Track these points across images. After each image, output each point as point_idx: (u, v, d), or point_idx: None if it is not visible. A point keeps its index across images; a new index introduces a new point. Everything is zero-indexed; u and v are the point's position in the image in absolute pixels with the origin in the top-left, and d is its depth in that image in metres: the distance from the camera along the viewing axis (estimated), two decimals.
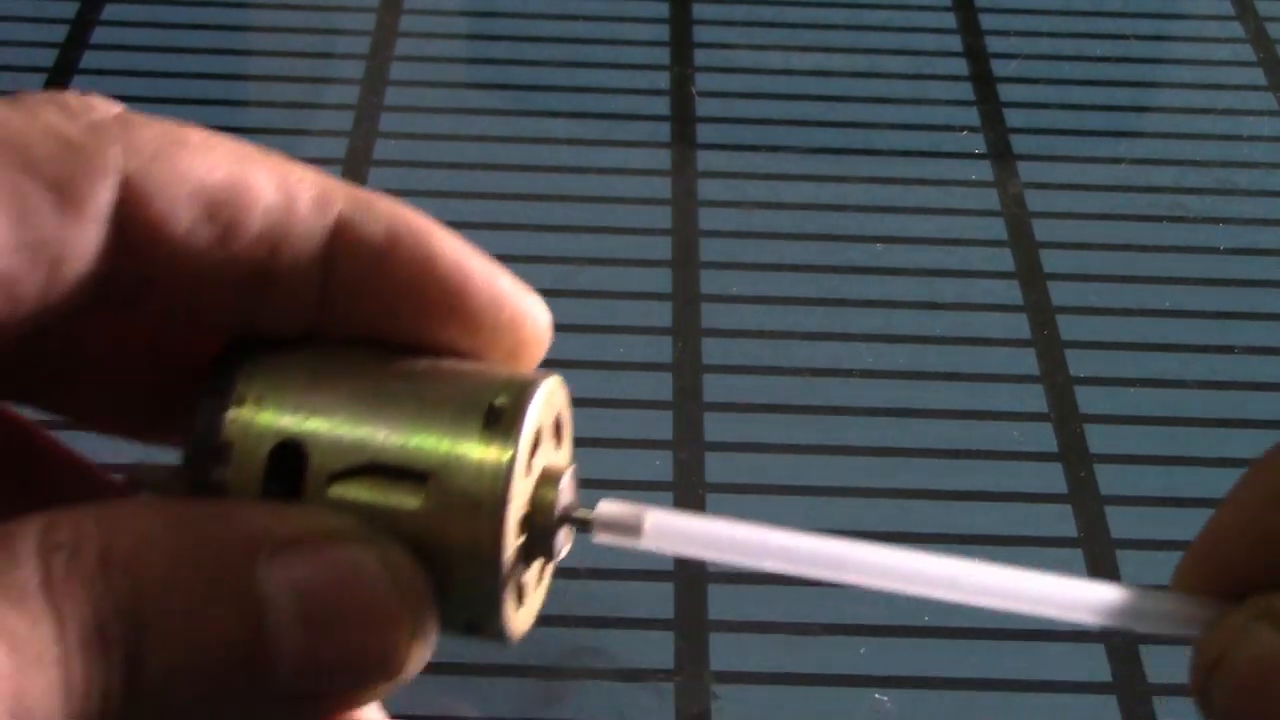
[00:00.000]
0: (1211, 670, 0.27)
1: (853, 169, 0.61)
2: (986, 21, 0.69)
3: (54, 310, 0.25)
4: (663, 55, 0.66)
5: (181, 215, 0.25)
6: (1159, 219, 0.60)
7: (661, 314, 0.54)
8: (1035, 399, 0.52)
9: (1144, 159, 0.62)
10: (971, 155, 0.62)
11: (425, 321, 0.27)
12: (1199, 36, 0.69)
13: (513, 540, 0.27)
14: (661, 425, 0.51)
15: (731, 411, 0.51)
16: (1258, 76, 0.66)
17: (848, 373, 0.53)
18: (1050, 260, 0.57)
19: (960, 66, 0.66)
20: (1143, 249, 0.58)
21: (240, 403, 0.27)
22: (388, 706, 0.44)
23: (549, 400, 0.27)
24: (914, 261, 0.57)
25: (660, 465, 0.49)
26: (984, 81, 0.66)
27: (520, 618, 0.28)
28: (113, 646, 0.24)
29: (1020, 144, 0.63)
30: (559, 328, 0.54)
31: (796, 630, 0.45)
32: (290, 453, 0.26)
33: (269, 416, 0.27)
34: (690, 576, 0.47)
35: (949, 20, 0.69)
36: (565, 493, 0.27)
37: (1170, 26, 0.70)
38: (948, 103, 0.64)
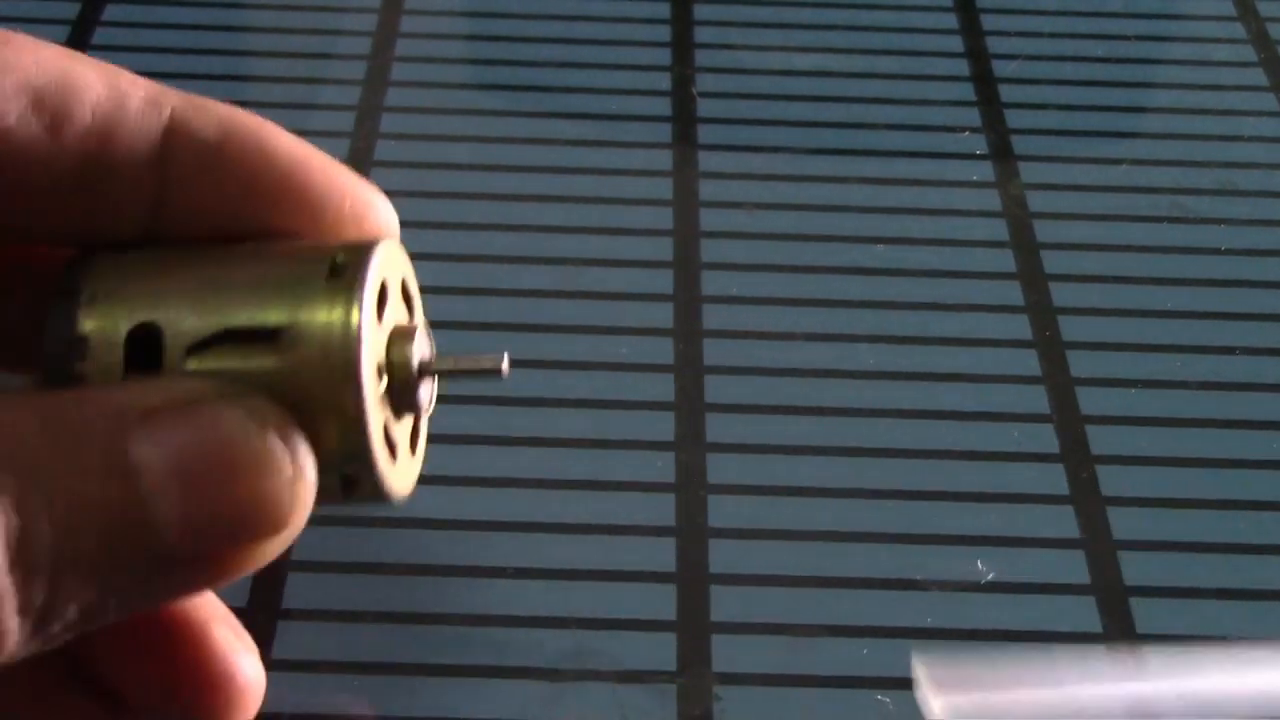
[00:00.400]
0: None
1: (854, 170, 0.61)
2: (987, 22, 0.69)
3: None
4: (664, 56, 0.66)
5: (9, 107, 0.26)
6: (1160, 220, 0.60)
7: (663, 315, 0.54)
8: (1036, 400, 0.52)
9: (1145, 159, 0.62)
10: (973, 156, 0.62)
11: (265, 216, 0.28)
12: (1199, 37, 0.69)
13: (372, 385, 0.28)
14: (663, 427, 0.51)
15: (733, 413, 0.51)
16: (1258, 77, 0.66)
17: (849, 374, 0.53)
18: (1051, 261, 0.57)
19: (961, 67, 0.66)
20: (1144, 250, 0.58)
21: (92, 300, 0.27)
22: (390, 704, 0.44)
23: (389, 257, 0.29)
24: (915, 262, 0.57)
25: (662, 467, 0.49)
26: (985, 82, 0.66)
27: (398, 474, 0.29)
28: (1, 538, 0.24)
29: (1021, 145, 0.62)
30: (559, 329, 0.55)
31: (799, 632, 0.45)
32: (146, 338, 0.28)
33: (121, 307, 0.27)
34: (692, 578, 0.46)
35: (950, 21, 0.69)
36: (420, 346, 0.28)
37: (1171, 27, 0.70)
38: (949, 103, 0.64)
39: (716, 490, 0.49)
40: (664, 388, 0.52)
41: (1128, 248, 0.58)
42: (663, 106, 0.63)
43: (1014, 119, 0.64)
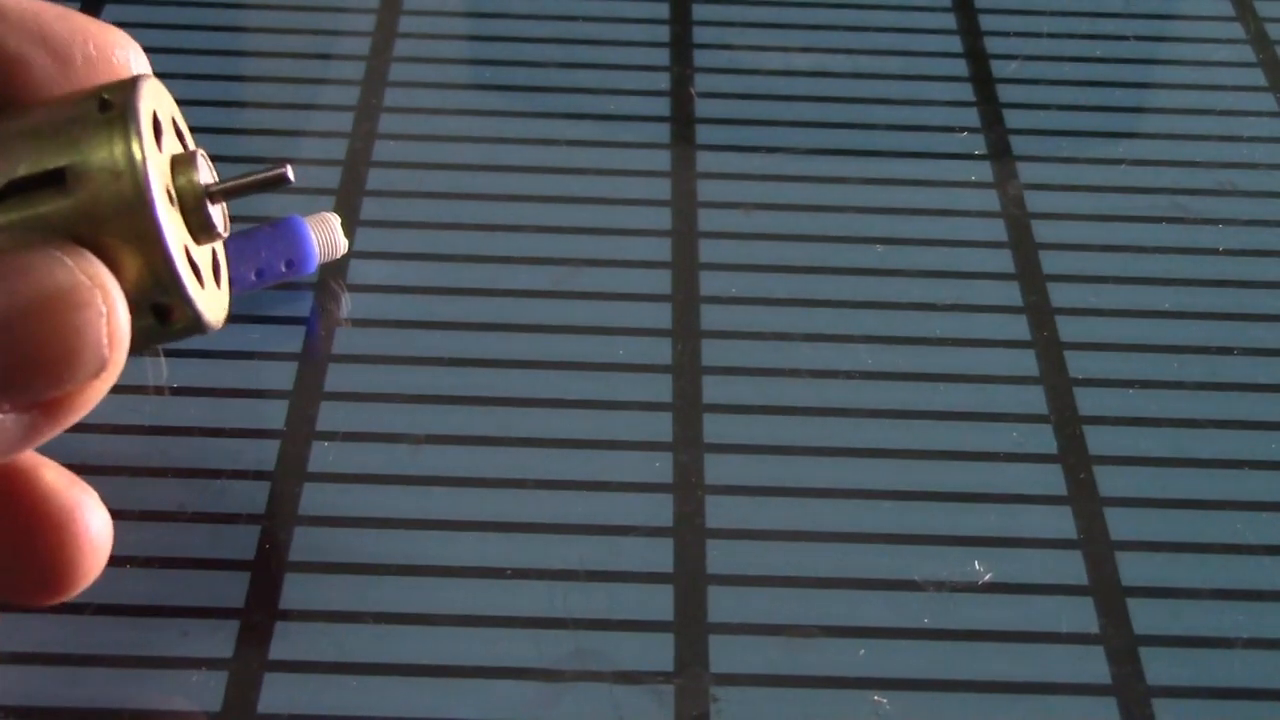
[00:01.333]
0: None
1: (852, 170, 0.61)
2: (986, 22, 0.69)
3: None
4: (662, 56, 0.66)
5: None
6: (1159, 220, 0.60)
7: (660, 315, 0.54)
8: (1035, 400, 0.52)
9: (1144, 160, 0.62)
10: (971, 156, 0.62)
11: (14, 77, 0.29)
12: (1199, 37, 0.69)
13: (165, 207, 0.28)
14: (661, 427, 0.51)
15: (731, 413, 0.51)
16: (1258, 77, 0.66)
17: (847, 374, 0.53)
18: (1050, 261, 0.57)
19: (960, 67, 0.66)
20: (1143, 250, 0.58)
21: None
22: (388, 705, 0.44)
23: (153, 90, 0.29)
24: (914, 263, 0.57)
25: (660, 467, 0.49)
26: (984, 82, 0.66)
27: (208, 301, 0.30)
28: None
29: (1020, 145, 0.63)
30: (558, 329, 0.55)
31: (797, 632, 0.45)
32: None
33: None
34: (690, 578, 0.46)
35: (948, 21, 0.69)
36: (203, 171, 0.29)
37: (1170, 27, 0.70)
38: (947, 104, 0.64)
39: (714, 491, 0.49)
40: (662, 388, 0.52)
41: (1126, 248, 0.58)
42: (661, 107, 0.63)
43: (1013, 119, 0.64)
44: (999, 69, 0.66)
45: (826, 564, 0.47)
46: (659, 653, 0.44)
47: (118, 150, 0.28)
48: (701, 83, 0.65)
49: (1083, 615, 0.46)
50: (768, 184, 0.60)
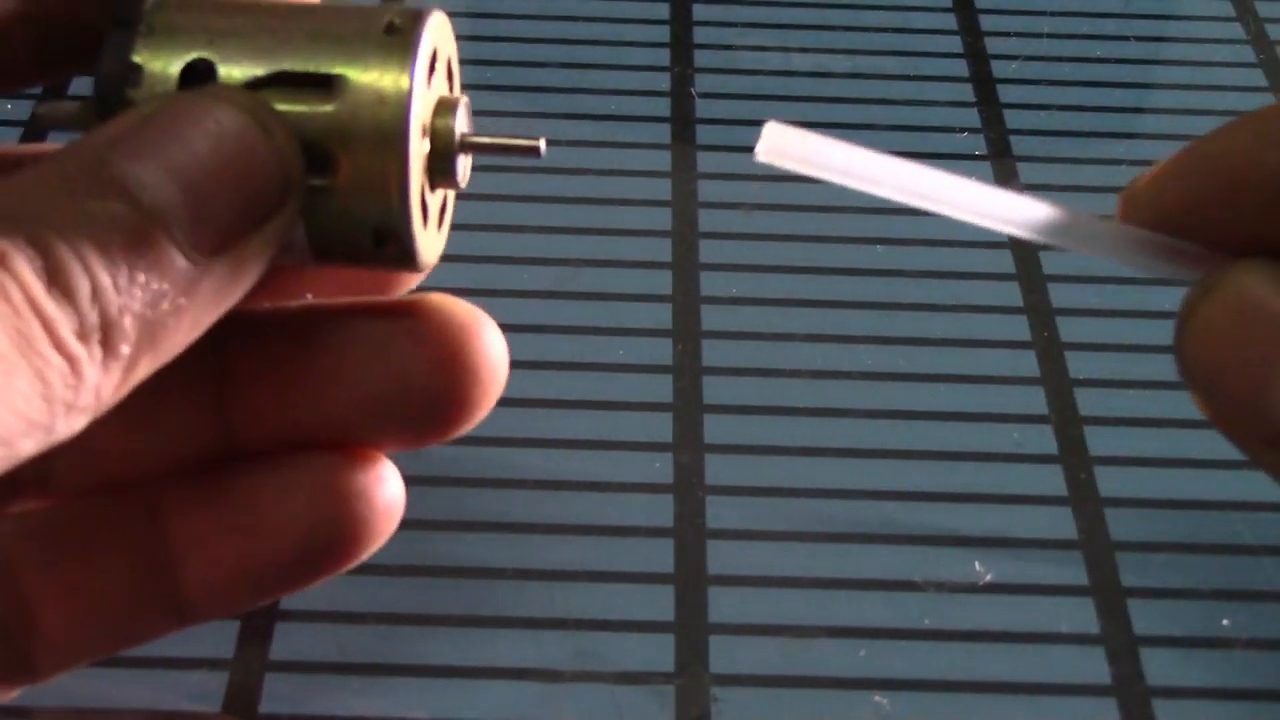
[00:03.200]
0: (1185, 318, 0.27)
1: None
2: (987, 23, 0.69)
3: None
4: (663, 56, 0.66)
5: None
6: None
7: (661, 316, 0.54)
8: (1035, 401, 0.52)
9: (1144, 160, 0.62)
10: (972, 156, 0.62)
11: None
12: (1199, 38, 0.69)
13: (417, 141, 0.29)
14: (661, 428, 0.51)
15: (731, 414, 0.51)
16: (1258, 78, 0.66)
17: (847, 375, 0.53)
18: (1050, 262, 0.57)
19: (960, 68, 0.66)
20: None
21: (150, 31, 0.28)
22: (389, 705, 0.44)
23: (441, 26, 0.30)
24: (914, 263, 0.57)
25: (660, 468, 0.49)
26: (984, 83, 0.66)
27: (427, 241, 0.30)
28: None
29: (1020, 145, 0.62)
30: (558, 329, 0.54)
31: (797, 633, 0.45)
32: (201, 74, 0.28)
33: (179, 41, 0.28)
34: (690, 579, 0.46)
35: (949, 21, 0.69)
36: (462, 120, 0.30)
37: (1170, 27, 0.70)
38: (948, 104, 0.64)
39: (714, 491, 0.49)
40: (662, 388, 0.52)
41: None
42: (661, 107, 0.63)
43: (1013, 119, 0.64)
44: (999, 69, 0.66)
45: (826, 564, 0.47)
46: (659, 653, 0.44)
47: (392, 75, 0.28)
48: (701, 83, 0.65)
49: (1083, 615, 0.46)
50: (768, 184, 0.60)
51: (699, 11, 0.68)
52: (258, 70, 0.28)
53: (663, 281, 0.56)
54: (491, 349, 0.31)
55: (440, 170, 0.30)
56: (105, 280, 0.25)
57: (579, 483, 0.49)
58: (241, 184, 0.27)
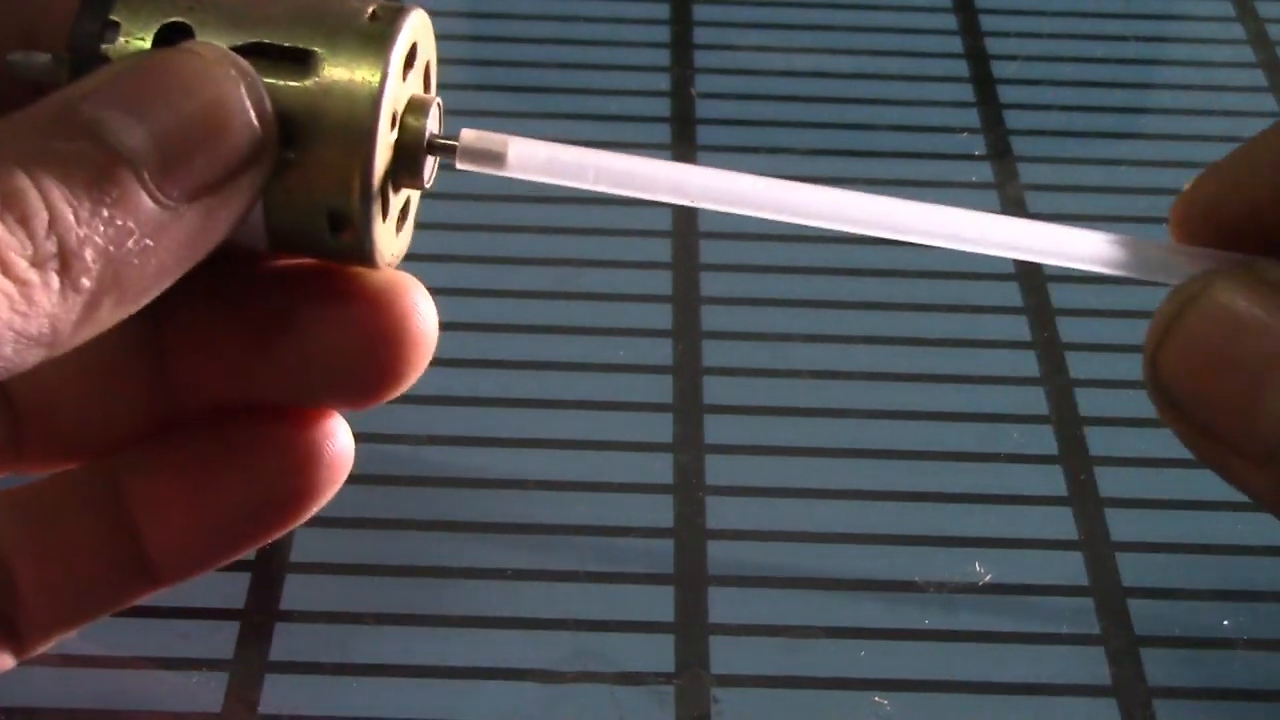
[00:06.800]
0: (1164, 335, 0.27)
1: (853, 170, 0.61)
2: (987, 23, 0.69)
3: None
4: (663, 56, 0.66)
5: None
6: (1160, 220, 0.60)
7: (661, 316, 0.54)
8: (1035, 401, 0.52)
9: (1144, 160, 0.62)
10: (972, 157, 0.62)
11: None
12: (1199, 38, 0.69)
13: (385, 127, 0.29)
14: (661, 428, 0.51)
15: (732, 414, 0.51)
16: (1258, 78, 0.66)
17: (847, 375, 0.53)
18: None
19: (961, 68, 0.66)
20: None
21: None
22: (388, 706, 0.44)
23: (423, 25, 0.30)
24: (914, 264, 0.57)
25: (660, 468, 0.49)
26: (984, 83, 0.66)
27: (385, 236, 0.30)
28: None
29: (1021, 146, 0.62)
30: (559, 330, 0.54)
31: (797, 633, 0.45)
32: (178, 36, 0.29)
33: (159, 3, 0.29)
34: (690, 579, 0.46)
35: (949, 21, 0.69)
36: (432, 121, 0.30)
37: (1170, 28, 0.70)
38: (948, 104, 0.64)
39: (714, 492, 0.49)
40: (662, 389, 0.52)
41: None
42: (662, 107, 0.63)
43: (1013, 120, 0.64)
44: (999, 69, 0.66)
45: (826, 564, 0.47)
46: (659, 653, 0.44)
47: (369, 60, 0.29)
48: (702, 83, 0.65)
49: (1083, 616, 0.46)
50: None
51: (699, 11, 0.68)
52: (235, 40, 0.28)
53: (663, 281, 0.56)
54: (420, 308, 0.32)
55: (407, 168, 0.30)
56: (65, 211, 0.25)
57: (579, 482, 0.49)
58: (214, 134, 0.27)
